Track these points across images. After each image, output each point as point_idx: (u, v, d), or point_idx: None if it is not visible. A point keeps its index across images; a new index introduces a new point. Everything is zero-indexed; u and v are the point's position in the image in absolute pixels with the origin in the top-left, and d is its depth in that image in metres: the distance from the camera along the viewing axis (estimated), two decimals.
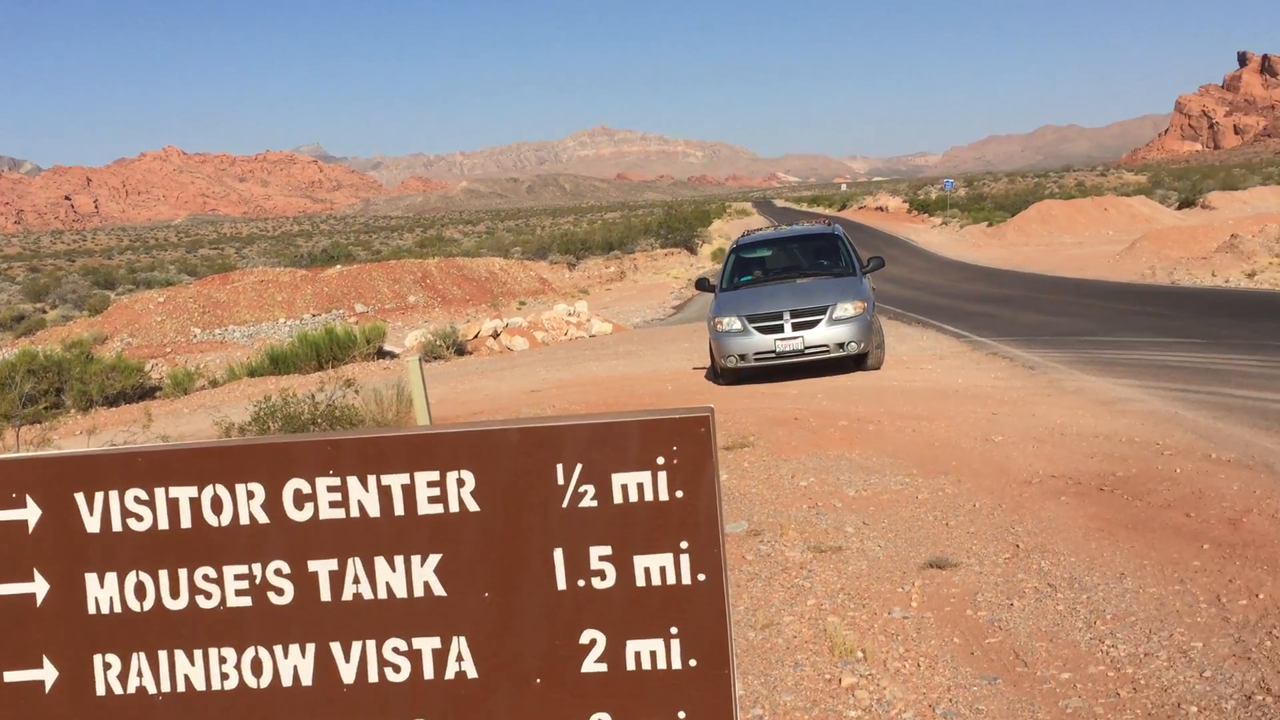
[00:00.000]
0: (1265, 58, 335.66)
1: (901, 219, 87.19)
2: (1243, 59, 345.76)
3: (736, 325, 14.84)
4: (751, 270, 16.81)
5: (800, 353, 14.68)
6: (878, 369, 15.26)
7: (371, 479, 2.91)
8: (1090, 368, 13.95)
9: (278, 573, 2.90)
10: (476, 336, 25.78)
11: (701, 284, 17.29)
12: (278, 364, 23.38)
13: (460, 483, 2.91)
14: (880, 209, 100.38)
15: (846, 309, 14.75)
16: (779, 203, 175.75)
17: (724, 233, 79.98)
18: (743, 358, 14.76)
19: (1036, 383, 13.13)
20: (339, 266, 45.68)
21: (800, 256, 17.18)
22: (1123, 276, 33.30)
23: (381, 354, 25.15)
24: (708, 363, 16.54)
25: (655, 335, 26.13)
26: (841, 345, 14.69)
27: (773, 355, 14.71)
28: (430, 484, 2.91)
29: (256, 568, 2.91)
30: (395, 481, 2.91)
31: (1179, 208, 70.85)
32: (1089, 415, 10.48)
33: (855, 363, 15.21)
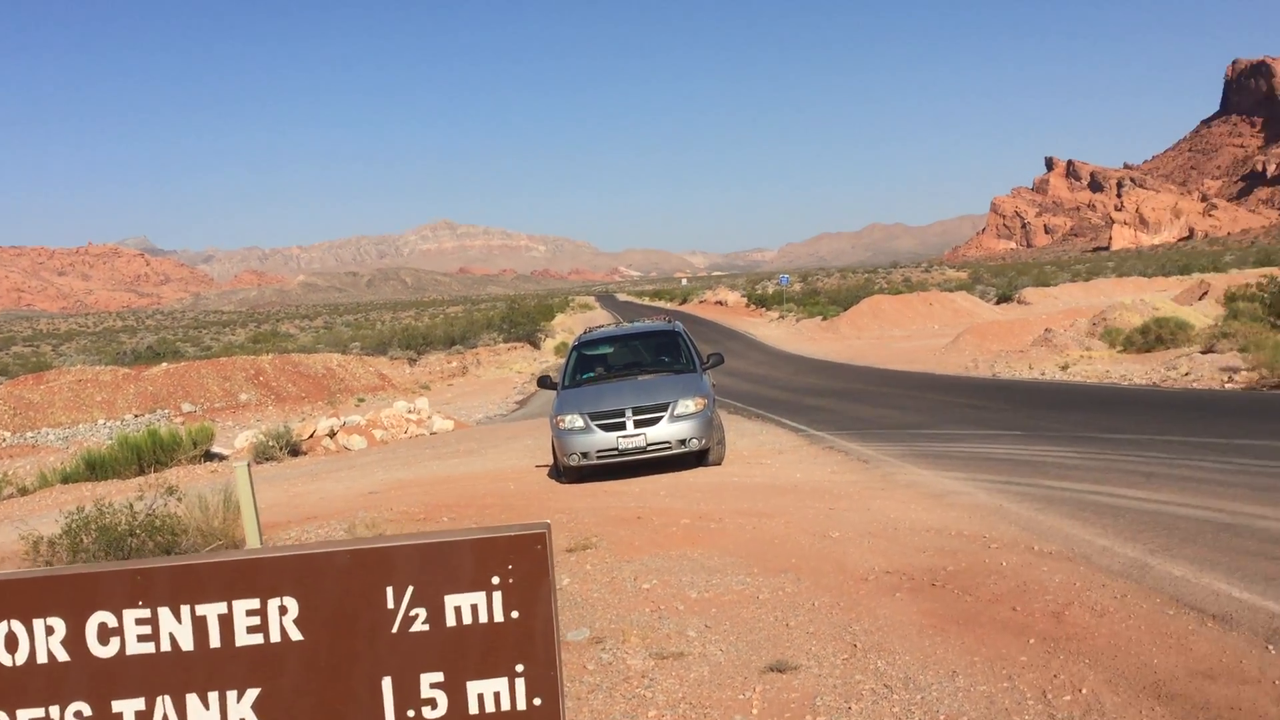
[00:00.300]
0: (1070, 163, 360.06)
1: (740, 313, 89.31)
2: (1050, 164, 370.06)
3: (579, 423, 14.81)
4: (594, 367, 16.87)
5: (643, 450, 14.73)
6: (719, 465, 15.43)
7: (185, 609, 2.74)
8: (921, 461, 14.40)
9: (78, 715, 2.69)
10: (312, 436, 25.04)
11: (544, 382, 17.23)
12: (95, 469, 22.17)
13: (283, 610, 2.77)
14: (720, 303, 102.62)
15: (688, 405, 14.90)
16: (621, 297, 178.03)
17: (567, 326, 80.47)
18: (585, 456, 14.71)
19: (871, 477, 13.47)
20: (165, 364, 43.95)
21: (642, 353, 17.33)
22: (949, 369, 34.74)
23: (209, 456, 24.18)
24: (551, 460, 16.43)
25: (498, 432, 25.90)
26: (683, 442, 14.81)
27: (615, 453, 14.71)
28: (250, 612, 2.76)
29: (54, 710, 2.70)
30: (211, 611, 2.75)
31: (997, 303, 74.70)
32: (921, 509, 10.78)
33: (697, 459, 15.35)
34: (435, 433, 26.94)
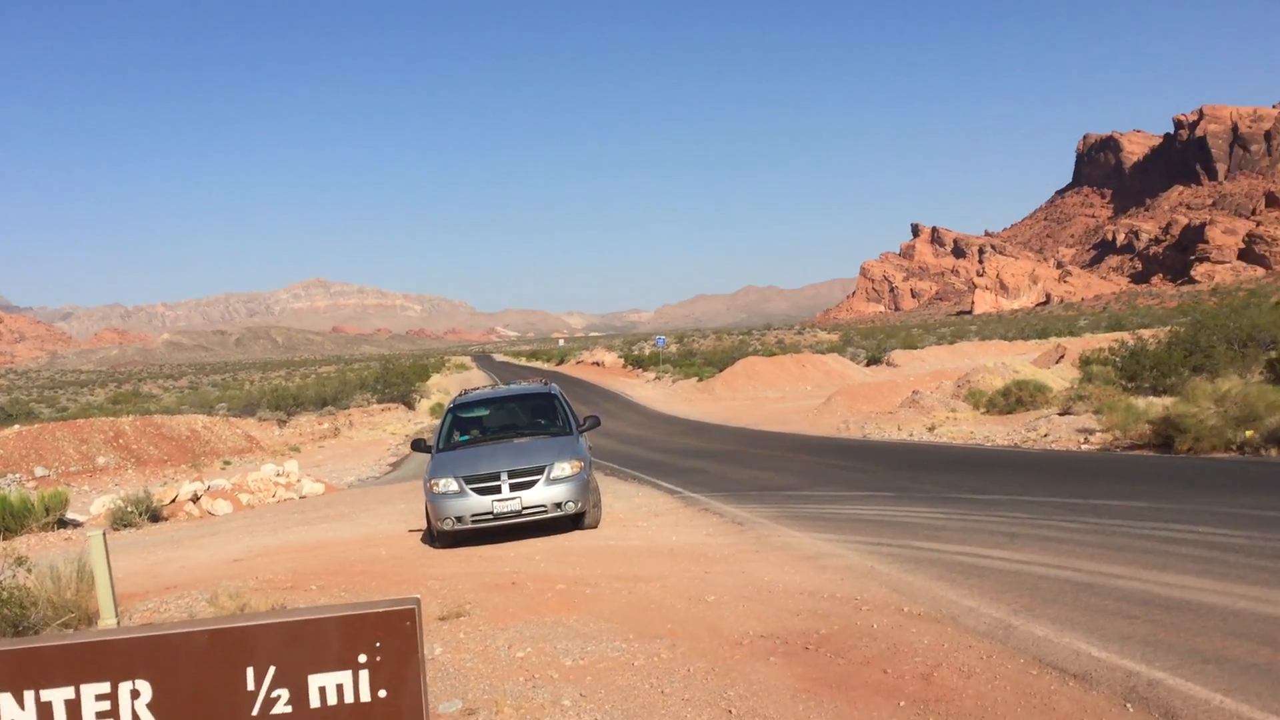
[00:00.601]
0: (935, 229, 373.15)
1: (617, 374, 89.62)
2: (916, 230, 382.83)
3: (453, 487, 14.59)
4: (469, 430, 16.69)
5: (518, 514, 14.57)
6: (595, 528, 15.37)
7: (29, 694, 2.59)
8: (795, 523, 14.57)
9: None
10: (174, 501, 24.12)
11: (417, 445, 16.95)
12: None
13: (135, 694, 2.64)
14: (597, 364, 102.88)
15: (564, 468, 14.83)
16: (498, 357, 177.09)
17: (443, 387, 79.52)
18: (459, 520, 14.49)
19: (746, 539, 13.56)
20: (17, 426, 41.93)
21: (518, 416, 17.23)
22: (821, 430, 35.36)
23: (63, 523, 23.06)
24: (425, 525, 16.14)
25: (370, 496, 25.35)
26: (559, 505, 14.71)
27: (490, 517, 14.53)
28: (99, 697, 2.63)
29: None
30: (57, 696, 2.60)
31: (867, 365, 76.57)
32: (794, 572, 10.89)
33: (573, 522, 15.26)
34: (305, 496, 26.24)
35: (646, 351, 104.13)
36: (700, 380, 69.12)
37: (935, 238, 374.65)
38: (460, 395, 18.50)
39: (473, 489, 14.54)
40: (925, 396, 40.06)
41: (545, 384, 18.26)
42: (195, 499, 24.40)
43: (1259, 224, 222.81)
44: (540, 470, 14.73)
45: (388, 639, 2.74)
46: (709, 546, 13.14)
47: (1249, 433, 19.14)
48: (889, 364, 74.67)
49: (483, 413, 17.38)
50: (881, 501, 16.40)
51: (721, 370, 69.84)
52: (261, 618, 2.71)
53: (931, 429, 30.95)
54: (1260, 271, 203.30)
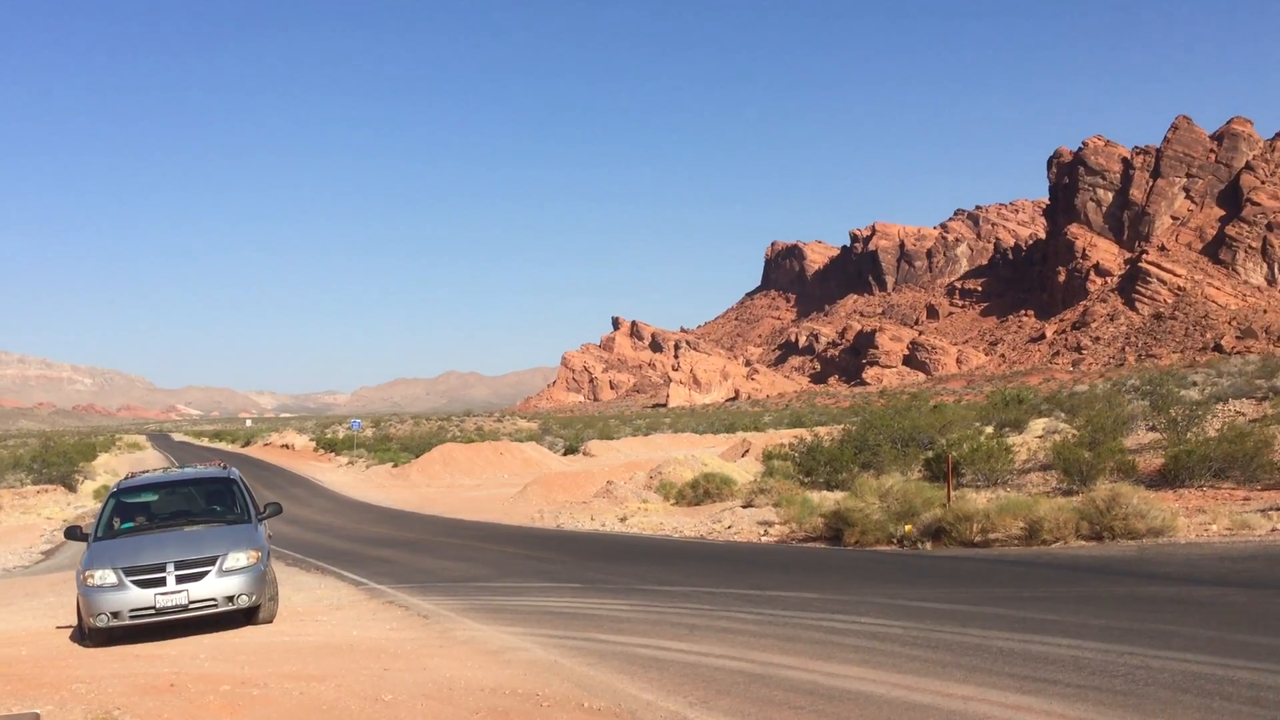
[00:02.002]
0: (634, 323, 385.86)
1: (308, 457, 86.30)
2: (616, 323, 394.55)
3: (110, 579, 13.34)
4: (134, 516, 15.40)
5: (185, 608, 13.51)
6: (270, 623, 14.50)
7: None
8: (481, 615, 14.32)
9: None
10: None
11: (72, 533, 15.39)
12: None
13: None
14: (287, 446, 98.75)
15: (239, 559, 13.93)
16: (178, 437, 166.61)
17: (111, 468, 73.71)
18: (116, 615, 13.24)
19: (430, 633, 13.19)
20: None
21: (191, 501, 16.08)
22: (516, 519, 35.28)
23: None
24: (77, 620, 14.69)
25: (15, 588, 22.93)
26: (231, 599, 13.77)
27: (152, 612, 13.39)
28: None
29: None
30: None
31: (565, 454, 77.45)
32: (477, 667, 10.65)
33: (246, 617, 14.33)
34: None
35: (341, 435, 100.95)
36: (396, 466, 67.68)
37: (634, 331, 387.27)
38: (127, 478, 17.09)
39: (133, 581, 13.37)
40: (619, 487, 40.87)
41: (224, 467, 17.18)
42: None
43: (921, 333, 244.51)
44: (212, 561, 13.77)
45: None
46: (391, 642, 12.67)
47: (908, 527, 20.65)
48: (586, 454, 75.85)
49: (151, 497, 16.11)
50: (570, 593, 16.43)
51: (418, 456, 68.72)
52: None
53: (624, 519, 31.52)
54: (921, 376, 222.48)
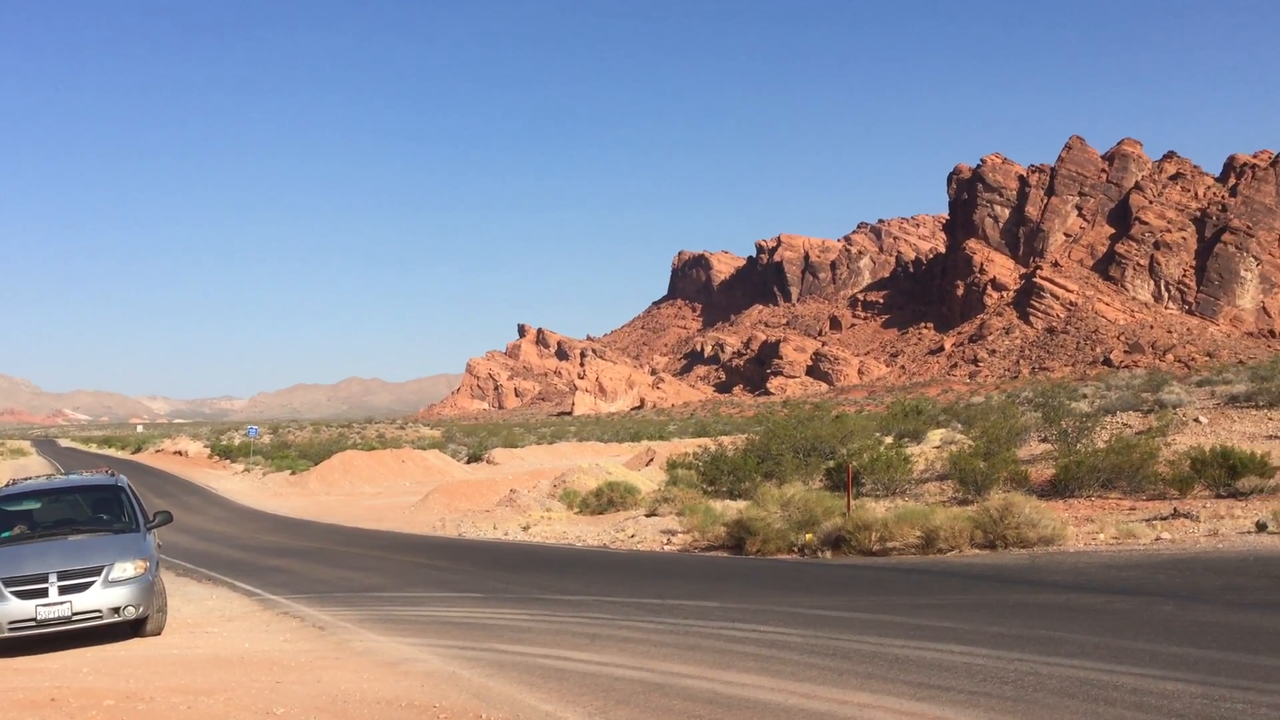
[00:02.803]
0: (540, 331, 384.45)
1: (202, 464, 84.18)
2: (522, 331, 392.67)
3: None
4: (13, 525, 14.81)
5: (68, 620, 13.04)
6: (158, 635, 14.06)
7: None
8: (379, 626, 14.09)
9: None
10: None
11: None
12: None
13: None
14: (180, 453, 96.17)
15: (126, 569, 13.49)
16: (64, 443, 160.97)
17: None
18: None
19: (326, 644, 12.92)
20: None
21: (76, 510, 15.54)
22: (417, 528, 34.83)
23: None
24: None
25: None
26: (117, 610, 13.32)
27: (33, 624, 12.89)
28: None
29: None
30: None
31: (468, 462, 76.76)
32: (374, 679, 10.46)
33: (133, 629, 13.88)
34: None
35: (237, 442, 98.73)
36: (294, 474, 66.37)
37: (540, 339, 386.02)
38: (7, 485, 16.46)
39: (13, 592, 12.87)
40: (522, 495, 40.63)
41: (111, 474, 16.63)
42: None
43: (824, 344, 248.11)
44: (98, 571, 13.31)
45: None
46: (285, 654, 12.38)
47: (808, 536, 20.88)
48: (489, 462, 75.28)
49: (32, 505, 15.52)
50: (471, 603, 16.26)
51: (317, 464, 67.51)
52: None
53: (527, 528, 31.33)
54: (824, 387, 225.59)
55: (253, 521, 40.80)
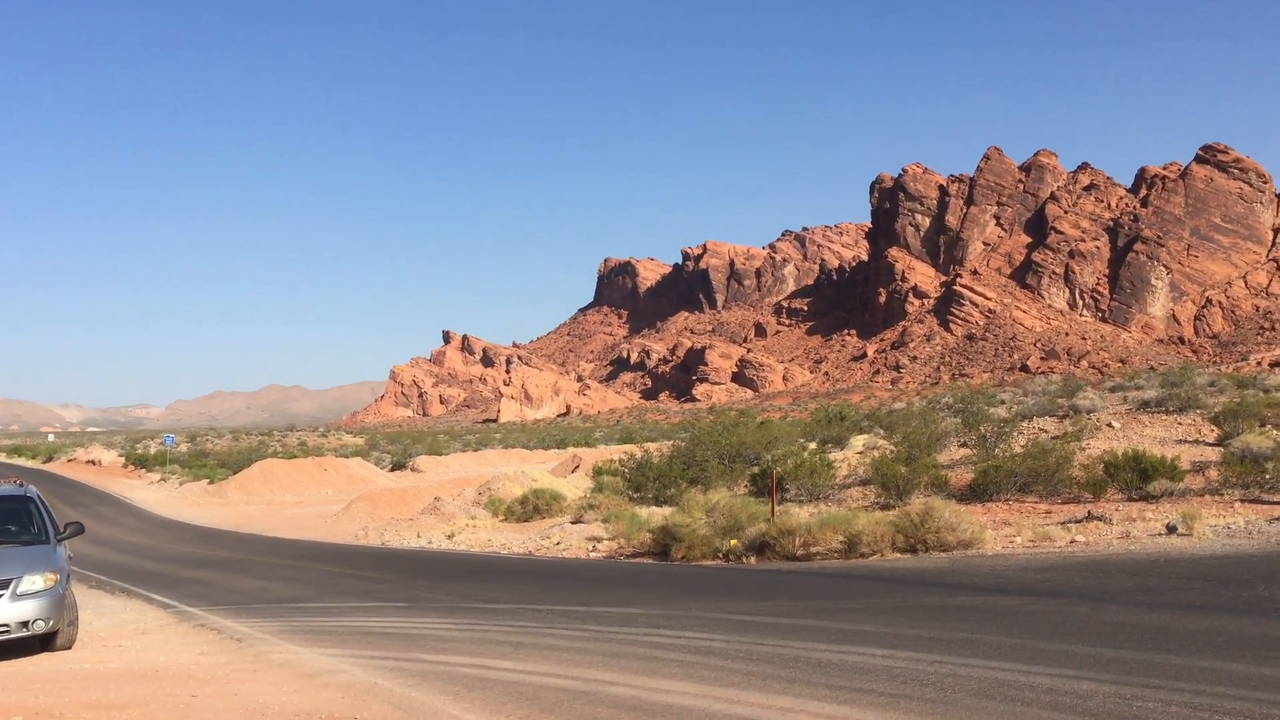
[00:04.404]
0: (465, 337, 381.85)
1: (117, 474, 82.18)
2: (447, 337, 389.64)
3: None
4: None
5: None
6: (69, 649, 13.66)
7: None
8: (299, 637, 13.85)
9: None
10: None
11: None
12: None
13: None
14: (93, 462, 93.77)
15: (35, 582, 13.08)
16: None
17: None
18: None
19: (244, 657, 12.67)
20: None
21: None
22: (339, 538, 34.36)
23: None
24: None
25: None
26: (26, 624, 12.91)
27: None
28: None
29: None
30: None
31: (392, 470, 75.95)
32: (293, 691, 10.27)
33: (43, 643, 13.46)
34: None
35: (153, 450, 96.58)
36: (212, 483, 65.08)
37: (466, 346, 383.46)
38: None
39: None
40: (447, 503, 40.30)
41: (20, 485, 16.13)
42: None
43: (749, 350, 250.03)
44: (5, 584, 12.90)
45: None
46: (201, 666, 12.11)
47: (733, 542, 21.00)
48: (414, 470, 74.58)
49: None
50: (394, 612, 16.07)
51: (237, 472, 66.26)
52: None
53: (451, 536, 31.08)
54: (749, 393, 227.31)
55: (169, 532, 39.92)
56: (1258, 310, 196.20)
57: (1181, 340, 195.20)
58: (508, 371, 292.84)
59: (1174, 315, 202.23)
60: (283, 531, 37.70)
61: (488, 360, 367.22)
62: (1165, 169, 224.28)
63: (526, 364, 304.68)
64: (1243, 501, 21.65)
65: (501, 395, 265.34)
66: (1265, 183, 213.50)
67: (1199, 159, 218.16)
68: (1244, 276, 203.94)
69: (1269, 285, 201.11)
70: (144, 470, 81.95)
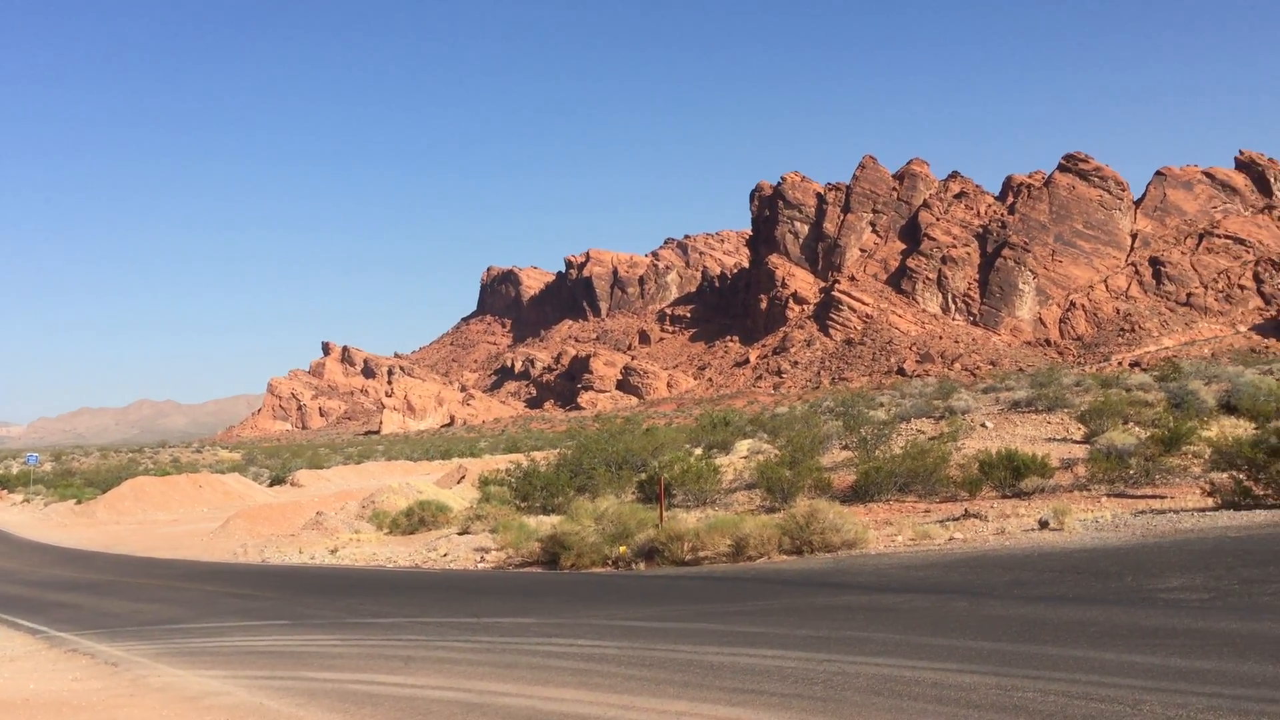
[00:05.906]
0: (345, 349, 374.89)
1: None
2: (326, 349, 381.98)
3: None
4: None
5: None
6: None
7: None
8: (178, 659, 13.41)
9: None
10: None
11: None
12: None
13: None
14: None
15: None
16: None
17: None
18: None
19: (119, 682, 12.21)
20: None
21: None
22: (216, 556, 33.39)
23: None
24: None
25: None
26: None
27: None
28: None
29: None
30: None
31: (271, 485, 74.13)
32: (174, 715, 9.94)
33: None
34: None
35: (15, 470, 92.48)
36: (80, 503, 62.63)
37: (346, 357, 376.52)
38: None
39: None
40: (329, 518, 39.50)
41: None
42: None
43: (634, 358, 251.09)
44: None
45: None
46: (74, 694, 11.64)
47: (622, 549, 21.05)
48: (294, 484, 72.92)
49: None
50: (277, 630, 15.67)
51: (106, 491, 63.91)
52: None
53: (335, 551, 30.47)
54: (634, 400, 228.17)
55: (35, 555, 38.26)
56: (1118, 313, 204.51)
57: (1048, 342, 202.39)
58: (390, 382, 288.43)
59: (1040, 318, 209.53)
60: (157, 551, 36.47)
61: (369, 371, 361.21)
62: (1030, 177, 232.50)
63: (409, 375, 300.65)
64: (1109, 496, 22.58)
65: (384, 407, 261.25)
66: (1124, 190, 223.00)
67: (1061, 168, 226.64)
68: (1105, 280, 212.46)
69: (1128, 289, 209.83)
70: (5, 491, 78.48)
